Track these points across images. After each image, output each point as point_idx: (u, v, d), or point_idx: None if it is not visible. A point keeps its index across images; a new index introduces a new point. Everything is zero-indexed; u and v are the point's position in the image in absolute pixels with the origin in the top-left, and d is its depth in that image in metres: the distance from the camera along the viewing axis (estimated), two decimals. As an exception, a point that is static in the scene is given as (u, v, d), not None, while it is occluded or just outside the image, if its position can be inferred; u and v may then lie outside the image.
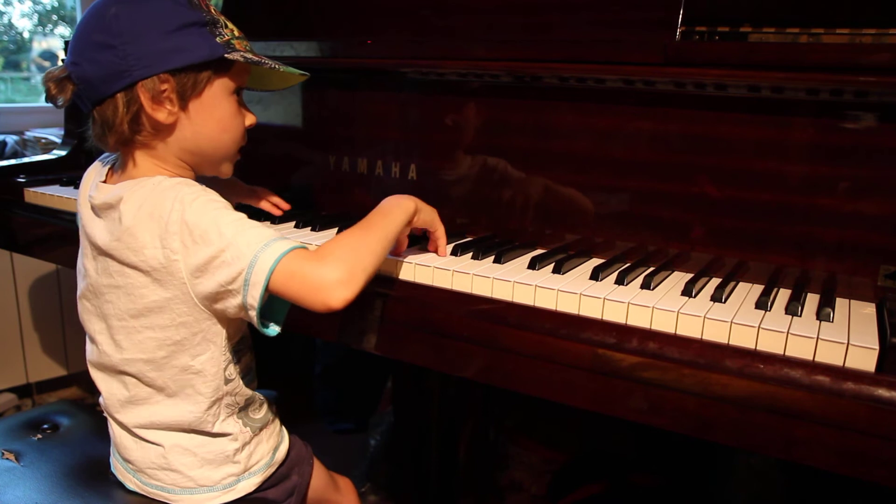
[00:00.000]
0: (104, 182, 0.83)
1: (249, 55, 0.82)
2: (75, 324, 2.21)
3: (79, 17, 2.26)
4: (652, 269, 0.90)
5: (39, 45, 2.42)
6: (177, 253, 0.75)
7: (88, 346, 0.88)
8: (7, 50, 2.32)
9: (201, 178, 0.86)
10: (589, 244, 0.99)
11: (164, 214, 0.75)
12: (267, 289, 0.73)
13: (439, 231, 0.94)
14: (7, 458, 0.95)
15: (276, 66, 0.85)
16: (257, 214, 1.00)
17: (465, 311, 0.85)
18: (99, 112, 0.79)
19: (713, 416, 0.72)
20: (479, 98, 1.06)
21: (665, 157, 0.93)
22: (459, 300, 0.87)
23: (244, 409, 0.88)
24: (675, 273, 0.92)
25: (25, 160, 1.61)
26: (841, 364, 0.68)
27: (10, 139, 1.98)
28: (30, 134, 2.01)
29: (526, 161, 1.03)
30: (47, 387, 2.17)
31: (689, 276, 0.89)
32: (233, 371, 0.85)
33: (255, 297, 0.74)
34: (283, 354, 0.90)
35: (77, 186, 1.39)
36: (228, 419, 0.86)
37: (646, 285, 0.83)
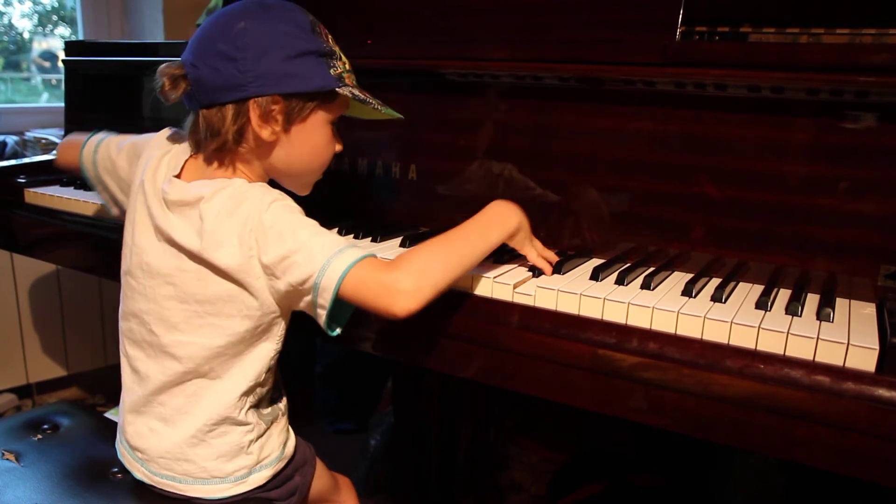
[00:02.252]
0: (178, 177, 0.84)
1: (356, 92, 0.85)
2: (75, 324, 2.22)
3: (79, 17, 2.26)
4: (652, 269, 0.90)
5: (39, 45, 2.42)
6: (252, 249, 0.78)
7: (128, 324, 0.87)
8: (7, 50, 2.33)
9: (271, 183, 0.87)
10: (589, 244, 0.99)
11: (244, 214, 0.78)
12: (336, 295, 0.76)
13: (532, 254, 0.90)
14: (7, 459, 0.95)
15: (378, 107, 0.88)
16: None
17: (466, 311, 0.85)
18: (205, 116, 0.81)
19: (713, 416, 0.72)
20: (478, 98, 1.06)
21: (665, 157, 0.93)
22: (459, 300, 0.87)
23: (264, 399, 0.89)
24: (676, 273, 0.92)
25: (25, 160, 1.61)
26: (841, 364, 0.68)
27: (10, 139, 1.98)
28: (30, 134, 2.01)
29: (526, 161, 1.03)
30: (47, 387, 2.17)
31: (690, 276, 0.90)
32: (275, 359, 0.87)
33: (326, 300, 0.76)
34: (283, 354, 0.90)
35: (77, 187, 1.40)
36: (252, 409, 0.86)
37: (646, 285, 0.83)
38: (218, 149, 0.82)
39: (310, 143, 0.85)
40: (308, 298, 0.78)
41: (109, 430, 0.98)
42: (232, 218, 0.78)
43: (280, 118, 0.81)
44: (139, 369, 0.86)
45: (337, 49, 0.85)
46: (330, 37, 0.85)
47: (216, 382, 0.83)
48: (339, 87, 0.83)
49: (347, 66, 0.86)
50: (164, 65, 0.82)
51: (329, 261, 0.75)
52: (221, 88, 0.79)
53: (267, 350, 0.85)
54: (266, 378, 0.87)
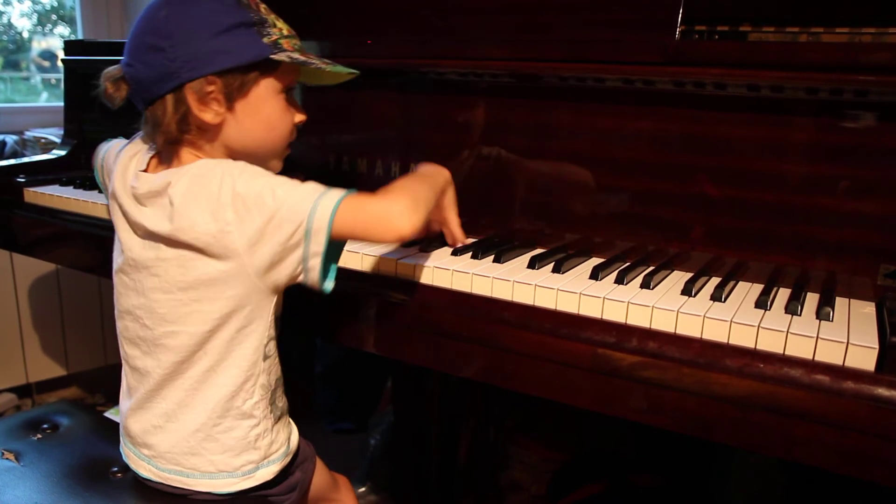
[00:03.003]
0: (145, 171, 0.84)
1: (296, 55, 0.82)
2: (75, 324, 2.22)
3: (78, 17, 2.26)
4: (652, 268, 0.90)
5: (39, 44, 2.42)
6: (231, 224, 0.76)
7: (123, 322, 0.87)
8: (6, 50, 2.32)
9: None
10: (588, 244, 0.99)
11: (214, 189, 0.77)
12: (330, 237, 0.76)
13: (454, 221, 0.96)
14: (7, 458, 0.95)
15: (323, 66, 0.85)
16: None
17: (465, 310, 0.85)
18: (150, 112, 0.81)
19: (713, 415, 0.72)
20: (478, 98, 1.06)
21: (665, 156, 0.93)
22: (459, 300, 0.87)
23: (273, 392, 0.88)
24: (675, 272, 0.92)
25: (25, 160, 1.62)
26: (841, 363, 0.68)
27: (10, 139, 1.98)
28: (29, 134, 2.01)
29: (526, 160, 1.03)
30: (47, 387, 2.17)
31: (689, 275, 0.89)
32: (272, 348, 0.86)
33: (319, 244, 0.76)
34: (283, 354, 0.90)
35: (77, 186, 1.40)
36: (260, 402, 0.86)
37: (645, 285, 0.83)
38: (168, 141, 0.82)
39: (259, 117, 0.83)
40: (297, 254, 0.77)
41: (109, 430, 0.98)
42: (201, 195, 0.77)
43: (221, 98, 0.80)
44: (139, 367, 0.86)
45: (271, 16, 0.83)
46: (262, 6, 0.83)
47: (213, 375, 0.83)
48: (275, 54, 0.80)
49: (286, 32, 0.84)
50: (105, 70, 0.84)
51: (315, 204, 0.76)
52: (156, 81, 0.79)
53: (258, 335, 0.83)
54: (266, 368, 0.86)
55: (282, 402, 0.91)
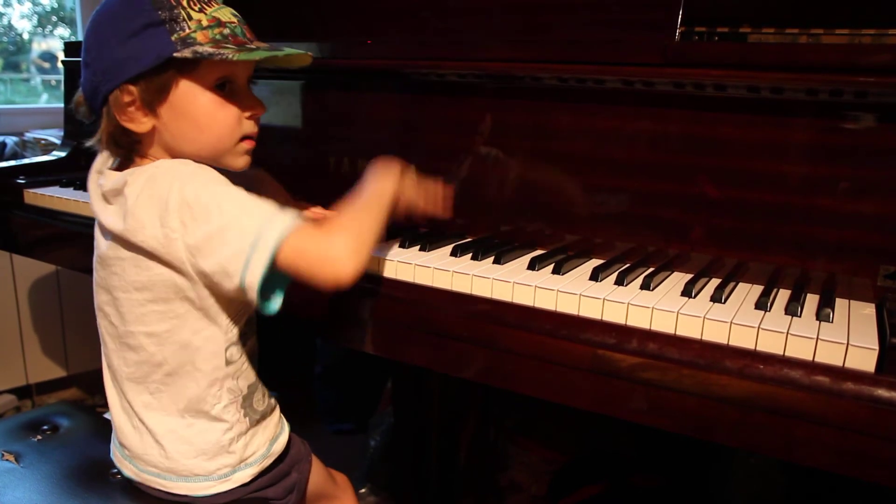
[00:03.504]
0: (115, 169, 0.84)
1: (205, 48, 0.76)
2: (75, 324, 2.22)
3: (78, 18, 2.26)
4: (651, 269, 0.90)
5: (39, 46, 2.42)
6: (175, 231, 0.75)
7: (98, 319, 0.88)
8: (7, 51, 2.32)
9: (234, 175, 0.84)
10: (588, 245, 0.99)
11: (164, 193, 0.75)
12: (271, 266, 0.74)
13: (420, 207, 0.95)
14: (7, 460, 0.95)
15: (232, 57, 0.77)
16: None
17: (465, 311, 0.85)
18: (100, 125, 0.82)
19: (713, 416, 0.72)
20: (478, 98, 1.06)
21: (665, 157, 0.93)
22: (459, 301, 0.87)
23: (248, 397, 0.88)
24: (675, 273, 0.92)
25: (25, 161, 1.62)
26: (841, 364, 0.68)
27: (10, 140, 1.98)
28: (29, 135, 2.01)
29: (525, 161, 1.03)
30: (47, 388, 2.17)
31: (689, 276, 0.89)
32: (235, 353, 0.85)
33: (255, 276, 0.73)
34: (283, 354, 0.90)
35: (77, 187, 1.40)
36: (230, 406, 0.86)
37: (645, 286, 0.83)
38: (118, 151, 0.82)
39: (188, 118, 0.80)
40: (235, 279, 0.74)
41: (109, 431, 0.98)
42: (151, 198, 0.76)
43: (140, 105, 0.77)
44: (112, 364, 0.87)
45: (188, 10, 0.77)
46: None
47: (175, 378, 0.83)
48: (180, 51, 0.75)
49: (205, 22, 0.78)
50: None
51: (260, 234, 0.73)
52: (91, 96, 0.80)
53: (216, 340, 0.82)
54: (233, 373, 0.85)
55: (262, 406, 0.91)
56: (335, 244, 0.75)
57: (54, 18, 2.43)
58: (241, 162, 0.86)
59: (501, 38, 1.08)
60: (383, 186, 0.88)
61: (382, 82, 1.15)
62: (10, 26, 2.31)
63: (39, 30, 2.41)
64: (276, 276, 0.76)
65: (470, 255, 0.95)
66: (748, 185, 0.88)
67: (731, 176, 0.89)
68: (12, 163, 1.57)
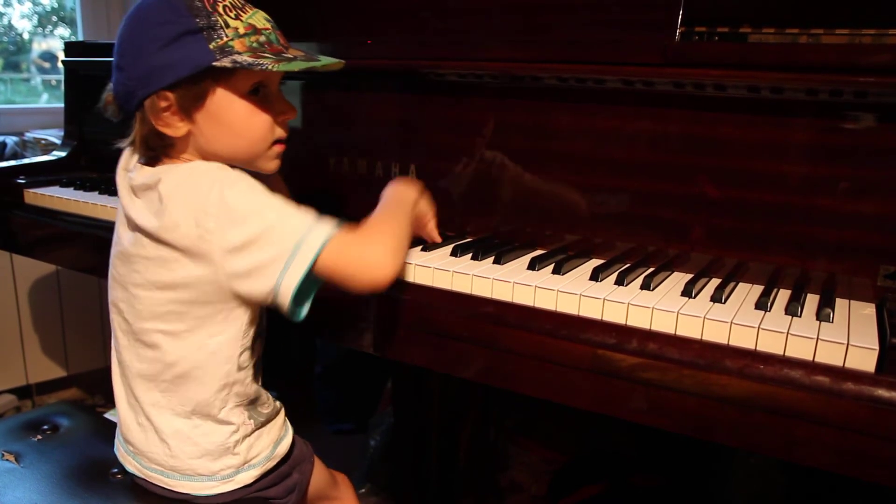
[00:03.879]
0: (147, 164, 0.84)
1: (244, 58, 0.77)
2: (75, 324, 2.22)
3: (79, 18, 2.26)
4: (651, 269, 0.90)
5: (39, 46, 2.42)
6: (211, 233, 0.76)
7: (112, 314, 0.88)
8: (7, 51, 2.32)
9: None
10: (589, 245, 0.99)
11: (202, 195, 0.76)
12: (310, 272, 0.75)
13: (433, 222, 1.00)
14: (7, 460, 0.95)
15: (272, 67, 0.78)
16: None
17: (465, 311, 0.85)
18: (133, 127, 0.82)
19: (713, 416, 0.72)
20: (478, 98, 1.06)
21: (665, 157, 0.93)
22: (459, 301, 0.87)
23: (253, 402, 0.89)
24: (675, 273, 0.92)
25: (25, 161, 1.62)
26: (841, 364, 0.68)
27: (10, 140, 1.98)
28: (29, 135, 2.01)
29: (525, 161, 1.03)
30: (47, 388, 2.17)
31: (689, 276, 0.89)
32: (247, 359, 0.86)
33: (293, 280, 0.75)
34: (283, 354, 0.90)
35: (77, 187, 1.40)
36: (236, 409, 0.86)
37: (645, 286, 0.83)
38: (144, 154, 0.83)
39: (224, 124, 0.80)
40: (271, 281, 0.76)
41: (109, 431, 0.98)
42: (189, 198, 0.77)
43: (177, 111, 0.78)
44: (123, 360, 0.87)
45: (225, 17, 0.78)
46: (221, 4, 0.78)
47: (186, 380, 0.83)
48: (219, 60, 0.76)
49: (241, 30, 0.78)
50: (109, 83, 0.84)
51: (302, 239, 0.75)
52: (124, 99, 0.80)
53: (231, 344, 0.83)
54: (242, 379, 0.86)
55: (268, 409, 0.91)
56: (375, 250, 0.78)
57: (54, 18, 2.43)
58: (272, 165, 0.87)
59: (501, 38, 1.08)
60: (407, 198, 0.92)
61: (382, 82, 1.15)
62: (10, 26, 2.31)
63: (40, 30, 2.41)
64: (307, 283, 0.77)
65: (470, 255, 0.95)
66: (748, 185, 0.88)
67: (731, 176, 0.89)
68: (12, 163, 1.58)
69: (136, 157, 0.86)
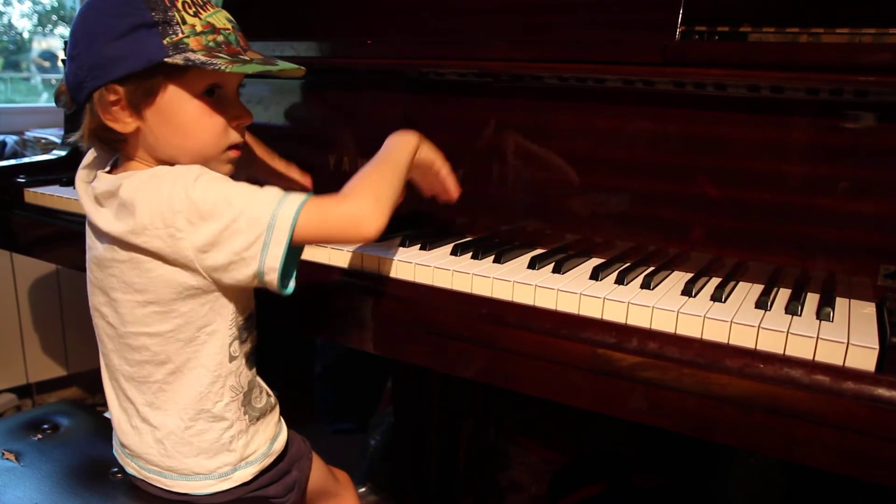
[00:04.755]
0: (108, 172, 0.84)
1: (198, 56, 0.75)
2: (75, 324, 2.22)
3: (78, 17, 2.26)
4: (652, 268, 0.90)
5: (39, 45, 2.42)
6: (182, 231, 0.75)
7: (95, 320, 0.88)
8: (7, 50, 2.32)
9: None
10: (589, 244, 0.99)
11: (165, 194, 0.75)
12: (290, 245, 0.75)
13: (444, 169, 0.93)
14: (7, 459, 0.95)
15: (225, 68, 0.75)
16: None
17: (465, 311, 0.85)
18: (83, 120, 0.81)
19: (713, 415, 0.72)
20: (478, 98, 1.06)
21: (665, 157, 0.93)
22: (459, 300, 0.87)
23: (248, 394, 0.88)
24: (675, 273, 0.92)
25: (25, 160, 1.62)
26: (841, 364, 0.68)
27: (10, 139, 1.98)
28: (29, 134, 2.00)
29: (526, 161, 1.03)
30: (47, 387, 2.17)
31: (689, 275, 0.89)
32: (238, 349, 0.85)
33: (276, 258, 0.75)
34: (282, 355, 0.90)
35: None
36: (231, 404, 0.86)
37: (646, 285, 0.83)
38: (101, 147, 0.82)
39: (174, 123, 0.78)
40: (253, 265, 0.75)
41: (109, 430, 0.98)
42: (153, 199, 0.76)
43: (126, 106, 0.76)
44: (111, 363, 0.86)
45: (183, 13, 0.76)
46: (181, 1, 0.76)
47: (178, 377, 0.83)
48: (172, 56, 0.74)
49: (199, 27, 0.76)
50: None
51: (275, 214, 0.74)
52: (74, 89, 0.79)
53: (220, 335, 0.83)
54: (235, 370, 0.85)
55: (261, 403, 0.91)
56: (355, 204, 0.77)
57: (54, 17, 2.43)
58: (225, 170, 0.84)
59: (502, 38, 1.08)
60: (401, 148, 0.88)
61: (382, 82, 1.15)
62: (10, 25, 2.31)
63: (39, 29, 2.41)
64: (290, 256, 0.77)
65: (470, 254, 0.95)
66: (748, 185, 0.88)
67: (731, 176, 0.89)
68: (12, 162, 1.57)
69: (95, 169, 0.85)
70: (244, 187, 0.77)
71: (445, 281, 0.89)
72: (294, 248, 0.77)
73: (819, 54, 0.81)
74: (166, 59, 0.74)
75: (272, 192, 0.76)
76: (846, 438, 0.66)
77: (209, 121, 0.80)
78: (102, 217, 0.80)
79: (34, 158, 1.66)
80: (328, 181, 1.06)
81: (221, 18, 0.80)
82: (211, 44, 0.77)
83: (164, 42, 0.75)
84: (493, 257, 0.93)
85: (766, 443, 0.71)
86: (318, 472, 1.02)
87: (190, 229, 0.75)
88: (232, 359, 0.85)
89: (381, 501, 1.61)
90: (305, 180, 1.12)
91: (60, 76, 2.43)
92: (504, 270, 0.89)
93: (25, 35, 2.37)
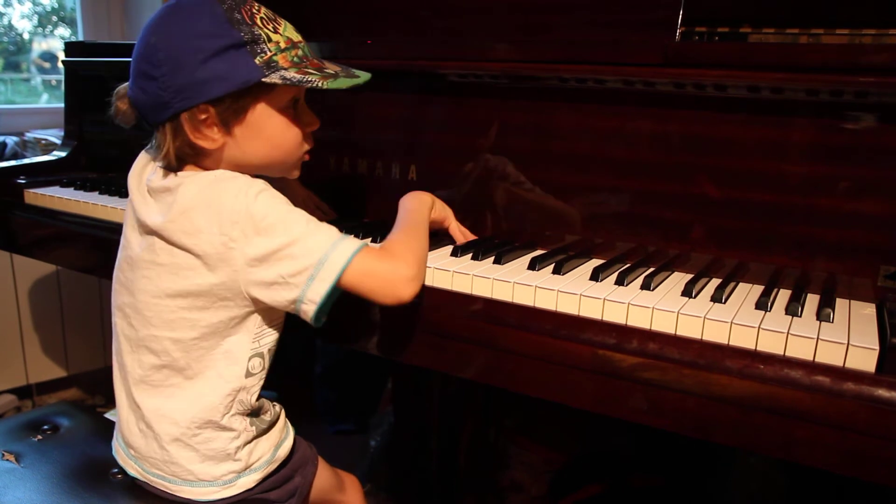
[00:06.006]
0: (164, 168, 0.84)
1: (292, 74, 0.78)
2: (75, 324, 2.22)
3: (79, 18, 2.26)
4: (652, 269, 0.90)
5: (39, 46, 2.42)
6: (235, 241, 0.76)
7: (115, 318, 0.88)
8: (7, 51, 2.32)
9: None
10: (589, 245, 0.99)
11: (226, 203, 0.76)
12: (335, 286, 0.76)
13: (454, 224, 1.03)
14: (7, 460, 0.95)
15: (321, 84, 0.79)
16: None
17: (466, 311, 0.85)
18: (156, 135, 0.82)
19: (713, 416, 0.72)
20: (479, 98, 1.06)
21: (665, 157, 0.93)
22: (459, 301, 0.87)
23: (257, 410, 0.89)
24: (675, 273, 0.92)
25: (25, 161, 1.62)
26: (841, 364, 0.68)
27: (10, 140, 1.98)
28: (30, 135, 2.01)
29: (526, 162, 1.03)
30: (47, 388, 2.17)
31: (689, 276, 0.90)
32: (256, 366, 0.86)
33: (318, 294, 0.76)
34: (283, 355, 0.90)
35: (77, 187, 1.40)
36: (239, 416, 0.86)
37: (646, 286, 0.83)
38: (170, 164, 0.81)
39: (261, 137, 0.81)
40: (292, 294, 0.77)
41: (109, 431, 0.98)
42: (213, 206, 0.77)
43: (216, 124, 0.78)
44: (125, 364, 0.86)
45: (265, 30, 0.78)
46: (258, 16, 0.78)
47: (192, 383, 0.83)
48: (268, 76, 0.77)
49: (283, 44, 0.79)
50: (117, 88, 0.83)
51: (327, 254, 0.76)
52: (153, 108, 0.79)
53: (242, 347, 0.83)
54: (249, 386, 0.85)
55: (270, 416, 0.91)
56: (400, 267, 0.79)
57: (55, 18, 2.43)
58: (297, 173, 0.90)
59: (502, 38, 1.08)
60: (423, 206, 0.95)
61: (383, 82, 1.15)
62: (10, 26, 2.31)
63: (40, 30, 2.41)
64: (328, 296, 0.78)
65: (470, 255, 0.95)
66: (748, 185, 0.88)
67: (731, 176, 0.89)
68: (13, 163, 1.58)
69: (153, 163, 0.85)
70: (304, 215, 0.78)
71: (445, 282, 0.89)
72: (335, 289, 0.78)
73: (819, 55, 0.81)
74: (263, 80, 0.77)
75: (330, 231, 0.78)
76: (846, 439, 0.66)
77: (293, 131, 0.84)
78: (149, 209, 0.81)
79: (34, 159, 1.66)
80: (329, 181, 1.07)
81: (293, 32, 0.83)
82: (295, 59, 0.80)
83: (256, 62, 0.77)
84: (493, 258, 0.93)
85: (766, 443, 0.71)
86: (323, 478, 1.01)
87: (243, 241, 0.76)
88: (249, 374, 0.85)
89: (382, 502, 1.61)
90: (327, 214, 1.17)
91: (61, 77, 2.42)
92: (504, 271, 0.89)
93: (26, 36, 2.37)
